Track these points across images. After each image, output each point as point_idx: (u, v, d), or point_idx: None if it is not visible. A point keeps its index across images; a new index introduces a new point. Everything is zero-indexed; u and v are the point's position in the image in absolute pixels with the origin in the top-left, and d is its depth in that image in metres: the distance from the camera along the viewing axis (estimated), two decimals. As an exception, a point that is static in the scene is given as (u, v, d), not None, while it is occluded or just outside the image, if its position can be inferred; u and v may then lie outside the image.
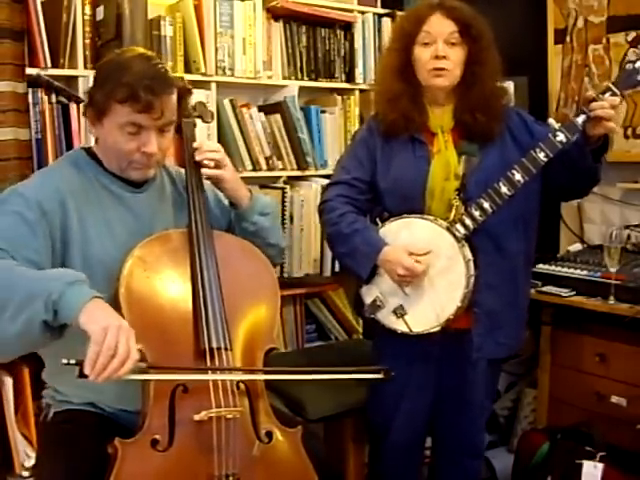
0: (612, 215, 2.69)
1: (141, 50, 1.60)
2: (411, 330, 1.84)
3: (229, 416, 1.38)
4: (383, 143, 1.92)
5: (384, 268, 1.84)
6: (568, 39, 2.73)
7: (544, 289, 2.39)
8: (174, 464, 1.34)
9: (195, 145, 1.67)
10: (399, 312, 1.84)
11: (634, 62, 1.72)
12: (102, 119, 1.50)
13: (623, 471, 1.99)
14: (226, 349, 1.45)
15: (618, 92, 1.69)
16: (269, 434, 1.46)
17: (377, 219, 1.93)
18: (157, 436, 1.35)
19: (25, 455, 2.00)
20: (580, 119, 1.70)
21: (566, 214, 2.83)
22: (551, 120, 1.73)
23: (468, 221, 1.77)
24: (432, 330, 1.81)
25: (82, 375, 1.22)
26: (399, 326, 1.85)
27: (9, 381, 1.98)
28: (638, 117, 2.54)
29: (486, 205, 1.75)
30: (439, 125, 1.86)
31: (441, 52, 1.78)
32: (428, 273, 1.80)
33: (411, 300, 1.83)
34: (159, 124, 1.51)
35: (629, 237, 2.46)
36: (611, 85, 1.70)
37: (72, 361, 1.23)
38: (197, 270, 1.51)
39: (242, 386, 1.46)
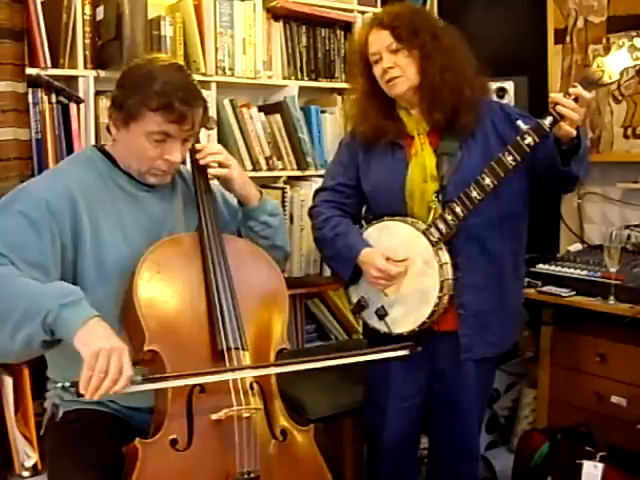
0: (612, 215, 2.69)
1: (173, 60, 1.63)
2: (391, 331, 1.85)
3: (246, 414, 1.40)
4: (365, 147, 1.94)
5: (362, 269, 1.87)
6: (568, 39, 2.73)
7: (544, 289, 2.39)
8: (194, 463, 1.36)
9: (197, 147, 1.67)
10: (381, 313, 1.87)
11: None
12: (130, 124, 1.50)
13: (623, 471, 1.99)
14: (243, 349, 1.47)
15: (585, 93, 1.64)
16: (284, 432, 1.48)
17: (363, 221, 1.96)
18: (176, 436, 1.36)
19: (25, 455, 2.00)
20: (547, 121, 1.66)
21: (566, 214, 2.83)
22: (519, 122, 1.69)
23: (441, 225, 1.76)
24: (410, 332, 1.81)
25: (79, 395, 1.25)
26: (381, 326, 1.88)
27: (9, 381, 1.98)
28: (638, 117, 2.54)
29: (458, 209, 1.74)
30: (415, 128, 1.87)
31: (385, 64, 1.80)
32: (406, 276, 1.82)
33: (391, 302, 1.86)
34: (186, 135, 1.53)
35: (629, 237, 2.45)
36: (577, 84, 1.65)
37: (67, 384, 1.28)
38: (210, 272, 1.52)
39: (256, 386, 1.47)
